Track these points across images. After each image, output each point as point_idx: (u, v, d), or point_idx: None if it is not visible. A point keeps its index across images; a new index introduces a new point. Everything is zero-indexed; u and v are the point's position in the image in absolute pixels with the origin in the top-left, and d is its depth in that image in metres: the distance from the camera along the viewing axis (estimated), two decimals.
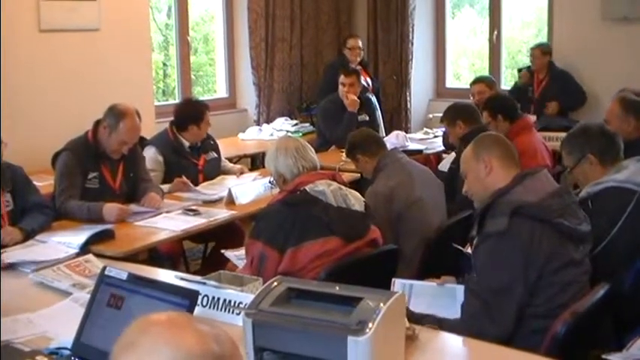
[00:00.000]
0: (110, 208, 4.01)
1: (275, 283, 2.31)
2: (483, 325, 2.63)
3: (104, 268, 2.32)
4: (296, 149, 3.31)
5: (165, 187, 4.73)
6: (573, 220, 2.75)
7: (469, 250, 3.03)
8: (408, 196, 3.99)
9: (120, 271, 2.29)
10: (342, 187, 3.31)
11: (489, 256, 2.70)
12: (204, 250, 5.33)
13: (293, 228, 3.11)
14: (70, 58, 5.83)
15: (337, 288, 2.23)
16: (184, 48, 7.30)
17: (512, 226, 2.64)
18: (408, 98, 8.31)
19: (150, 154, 4.87)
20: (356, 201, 3.29)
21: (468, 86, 8.08)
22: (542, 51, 7.16)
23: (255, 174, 5.24)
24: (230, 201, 4.38)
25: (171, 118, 5.13)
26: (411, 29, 8.14)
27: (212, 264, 4.24)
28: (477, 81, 6.59)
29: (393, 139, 6.06)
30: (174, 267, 4.76)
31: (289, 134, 3.67)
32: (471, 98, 6.40)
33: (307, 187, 3.19)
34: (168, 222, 4.02)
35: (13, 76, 5.40)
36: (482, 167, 2.89)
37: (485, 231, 2.72)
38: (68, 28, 5.79)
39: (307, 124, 7.72)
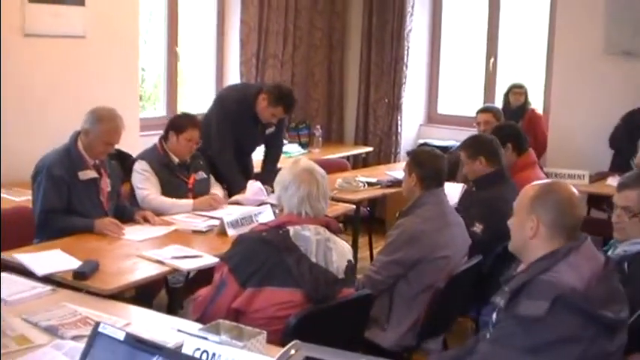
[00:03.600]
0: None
1: (292, 351, 2.04)
2: None
3: (97, 324, 2.03)
4: (309, 193, 2.99)
5: (186, 202, 4.66)
6: (616, 308, 2.40)
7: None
8: (435, 248, 3.72)
9: (116, 330, 2.00)
10: (331, 238, 3.03)
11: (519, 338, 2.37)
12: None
13: (261, 267, 2.89)
14: (54, 64, 5.54)
15: None
16: (172, 59, 7.00)
17: (553, 315, 2.31)
18: (399, 122, 8.07)
19: (141, 166, 4.70)
20: (339, 258, 3.02)
21: (460, 114, 8.00)
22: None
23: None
24: (222, 232, 4.11)
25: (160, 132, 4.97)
26: (406, 52, 7.90)
27: (197, 282, 3.91)
28: (485, 110, 6.29)
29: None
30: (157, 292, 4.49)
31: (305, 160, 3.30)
32: (476, 127, 6.17)
33: (292, 229, 2.95)
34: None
35: None
36: (528, 225, 2.53)
37: (518, 312, 2.37)
38: (53, 34, 5.50)
39: (296, 144, 7.49)
